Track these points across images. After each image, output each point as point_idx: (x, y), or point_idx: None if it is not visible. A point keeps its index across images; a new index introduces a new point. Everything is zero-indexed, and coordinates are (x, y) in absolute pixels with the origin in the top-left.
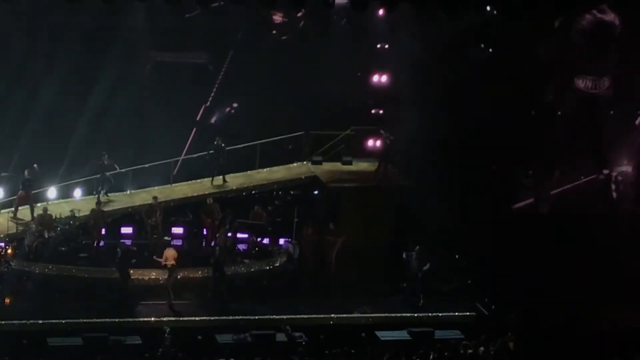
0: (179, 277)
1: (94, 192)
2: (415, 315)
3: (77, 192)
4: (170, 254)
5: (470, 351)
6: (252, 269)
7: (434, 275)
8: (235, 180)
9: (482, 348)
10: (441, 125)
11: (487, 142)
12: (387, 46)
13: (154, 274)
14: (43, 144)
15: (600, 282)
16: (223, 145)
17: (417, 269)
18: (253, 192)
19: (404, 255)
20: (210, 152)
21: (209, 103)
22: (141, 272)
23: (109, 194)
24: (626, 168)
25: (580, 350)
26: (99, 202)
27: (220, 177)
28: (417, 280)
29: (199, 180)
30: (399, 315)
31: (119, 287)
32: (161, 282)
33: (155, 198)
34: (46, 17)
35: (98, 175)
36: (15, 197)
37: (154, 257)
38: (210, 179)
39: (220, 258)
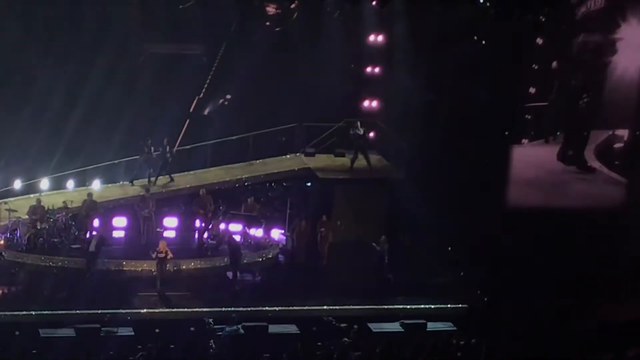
0: (167, 268)
1: (149, 177)
2: (408, 307)
3: (70, 183)
4: (162, 245)
5: (462, 343)
6: (245, 261)
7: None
8: (228, 171)
9: (473, 340)
10: (434, 118)
11: (481, 135)
12: (380, 38)
13: (146, 265)
14: (36, 135)
15: (592, 276)
16: (169, 147)
17: (382, 255)
18: (246, 183)
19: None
20: (157, 152)
21: (202, 94)
22: (134, 263)
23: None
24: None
25: (572, 343)
26: (147, 188)
27: (167, 176)
28: (385, 266)
29: (191, 172)
30: (391, 307)
31: (111, 278)
32: (154, 273)
33: (147, 190)
34: (40, 8)
35: (139, 157)
36: (6, 188)
37: (154, 252)
38: (154, 178)
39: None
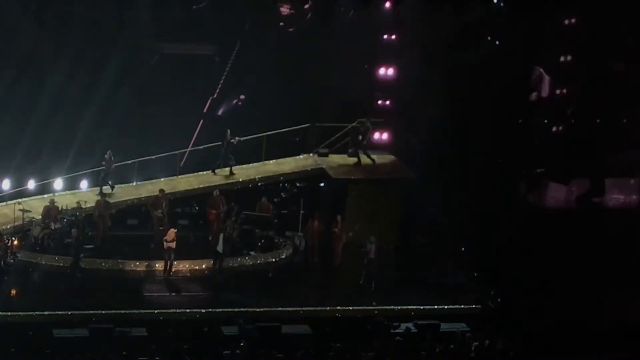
0: (178, 265)
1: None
2: (422, 307)
3: (84, 184)
4: (171, 233)
5: (475, 344)
6: (258, 261)
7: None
8: (241, 172)
9: (487, 341)
10: (447, 118)
11: (494, 134)
12: (393, 38)
13: (159, 265)
14: (50, 135)
15: (606, 276)
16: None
17: (372, 257)
18: (259, 184)
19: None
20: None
21: (216, 95)
22: (147, 263)
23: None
24: None
25: (586, 343)
26: (102, 194)
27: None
28: (372, 267)
29: (205, 172)
30: (405, 307)
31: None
32: (166, 274)
33: (161, 191)
34: (53, 8)
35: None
36: (20, 188)
37: (164, 239)
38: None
39: (225, 250)
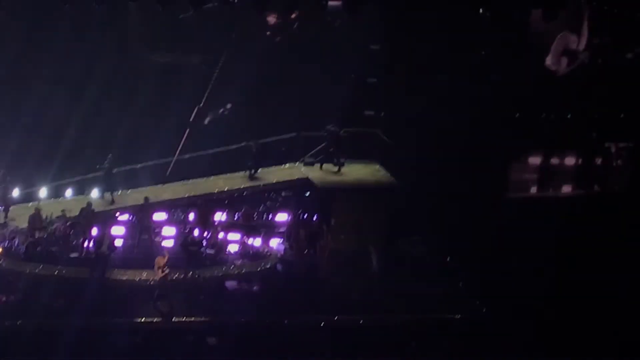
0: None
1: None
2: (407, 316)
3: (69, 192)
4: (161, 261)
5: (461, 353)
6: (243, 270)
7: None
8: (227, 181)
9: (471, 350)
10: (433, 127)
11: (479, 143)
12: (380, 48)
13: (145, 274)
14: (35, 143)
15: (594, 283)
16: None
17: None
18: (245, 193)
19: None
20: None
21: (202, 104)
22: (132, 272)
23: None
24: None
25: (575, 351)
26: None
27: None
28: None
29: (190, 181)
30: (390, 316)
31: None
32: (151, 283)
33: (146, 199)
34: (39, 16)
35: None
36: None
37: (159, 269)
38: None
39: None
